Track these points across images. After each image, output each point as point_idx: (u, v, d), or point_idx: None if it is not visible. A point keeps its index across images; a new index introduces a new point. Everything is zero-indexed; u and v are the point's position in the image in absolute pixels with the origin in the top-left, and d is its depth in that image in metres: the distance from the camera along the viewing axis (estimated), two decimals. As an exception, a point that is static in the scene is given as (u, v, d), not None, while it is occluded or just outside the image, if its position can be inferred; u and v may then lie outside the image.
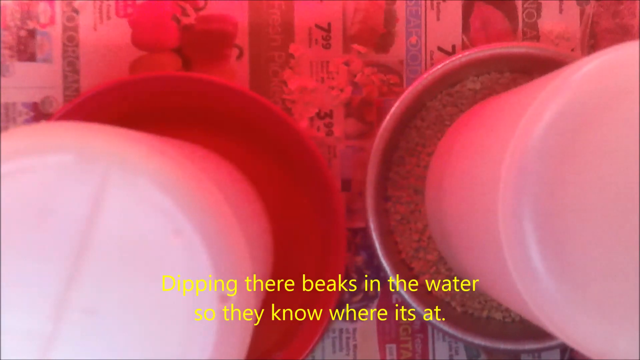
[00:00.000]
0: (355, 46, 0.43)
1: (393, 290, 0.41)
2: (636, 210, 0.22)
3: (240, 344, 0.21)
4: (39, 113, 0.43)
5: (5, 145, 0.20)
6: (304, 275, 0.41)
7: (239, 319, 0.21)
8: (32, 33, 0.42)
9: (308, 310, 0.41)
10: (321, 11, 0.43)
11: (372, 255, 0.42)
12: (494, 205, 0.24)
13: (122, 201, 0.20)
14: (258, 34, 0.43)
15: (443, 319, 0.40)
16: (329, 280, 0.40)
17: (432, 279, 0.42)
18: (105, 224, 0.20)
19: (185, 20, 0.42)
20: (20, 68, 0.42)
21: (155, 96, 0.39)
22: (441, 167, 0.36)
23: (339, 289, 0.40)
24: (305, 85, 0.43)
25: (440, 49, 0.43)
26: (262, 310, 0.38)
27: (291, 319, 0.41)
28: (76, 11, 0.42)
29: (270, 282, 0.38)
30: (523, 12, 0.43)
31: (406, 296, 0.40)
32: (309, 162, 0.39)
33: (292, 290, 0.41)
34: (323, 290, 0.40)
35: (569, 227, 0.22)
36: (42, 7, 0.42)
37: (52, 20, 0.42)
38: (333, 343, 0.43)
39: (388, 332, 0.43)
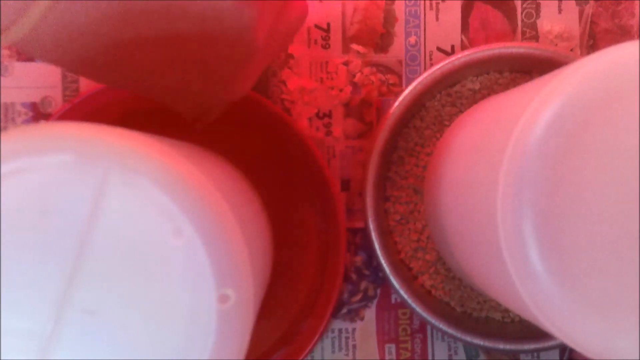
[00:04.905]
0: (355, 46, 0.43)
1: (392, 290, 0.41)
2: (636, 210, 0.22)
3: (240, 344, 0.21)
4: (38, 113, 0.43)
5: (5, 145, 0.20)
6: (303, 275, 0.41)
7: (239, 319, 0.21)
8: (31, 33, 0.42)
9: (308, 310, 0.41)
10: (320, 11, 0.43)
11: (372, 255, 0.42)
12: (493, 205, 0.24)
13: (122, 201, 0.20)
14: (257, 34, 0.43)
15: (442, 319, 0.40)
16: (328, 280, 0.40)
17: (431, 278, 0.42)
18: (105, 223, 0.20)
19: (185, 21, 0.42)
20: (20, 68, 0.42)
21: (154, 96, 0.39)
22: (440, 167, 0.36)
23: (338, 289, 0.40)
24: (304, 85, 0.43)
25: (439, 49, 0.43)
26: (262, 310, 0.38)
27: (291, 319, 0.42)
28: (75, 11, 0.42)
29: (270, 282, 0.38)
30: (522, 12, 0.43)
31: (405, 296, 0.40)
32: (309, 162, 0.39)
33: (292, 290, 0.41)
34: (322, 290, 0.40)
35: (568, 227, 0.22)
36: (41, 7, 0.42)
37: (51, 20, 0.42)
38: (332, 343, 0.43)
39: (387, 332, 0.43)
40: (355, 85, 0.43)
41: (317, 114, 0.43)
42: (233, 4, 0.25)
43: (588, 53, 0.43)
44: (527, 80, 0.41)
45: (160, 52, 0.26)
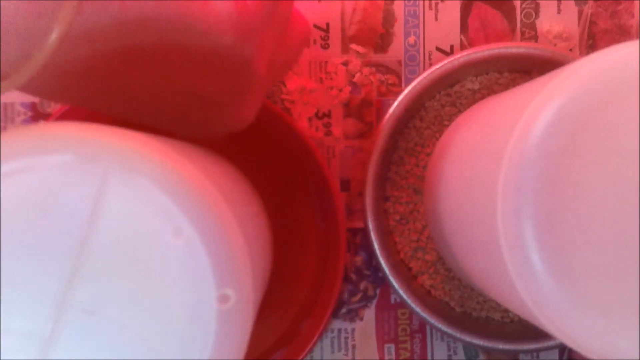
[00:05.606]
0: (354, 46, 0.43)
1: (392, 290, 0.41)
2: (636, 210, 0.22)
3: (240, 344, 0.21)
4: (37, 113, 0.43)
5: (5, 145, 0.20)
6: (303, 275, 0.41)
7: (239, 319, 0.21)
8: (30, 33, 0.42)
9: (307, 310, 0.41)
10: (320, 11, 0.43)
11: (371, 255, 0.42)
12: (493, 205, 0.24)
13: (122, 201, 0.20)
14: (257, 34, 0.43)
15: (441, 319, 0.40)
16: (328, 280, 0.40)
17: (431, 278, 0.42)
18: (105, 223, 0.20)
19: (184, 21, 0.42)
20: (19, 68, 0.42)
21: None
22: (440, 167, 0.36)
23: (338, 289, 0.40)
24: (304, 85, 0.43)
25: (438, 49, 0.43)
26: (262, 310, 0.38)
27: (291, 319, 0.42)
28: (75, 11, 0.42)
29: (270, 282, 0.38)
30: (521, 12, 0.43)
31: (405, 296, 0.40)
32: (309, 162, 0.39)
33: (292, 290, 0.41)
34: (322, 290, 0.40)
35: (569, 227, 0.22)
36: (40, 7, 0.42)
37: (50, 20, 0.42)
38: (332, 343, 0.43)
39: (387, 332, 0.43)
40: (354, 85, 0.43)
41: (316, 114, 0.43)
42: (233, 40, 0.24)
43: (587, 53, 0.43)
44: (526, 80, 0.41)
45: (158, 85, 0.26)
